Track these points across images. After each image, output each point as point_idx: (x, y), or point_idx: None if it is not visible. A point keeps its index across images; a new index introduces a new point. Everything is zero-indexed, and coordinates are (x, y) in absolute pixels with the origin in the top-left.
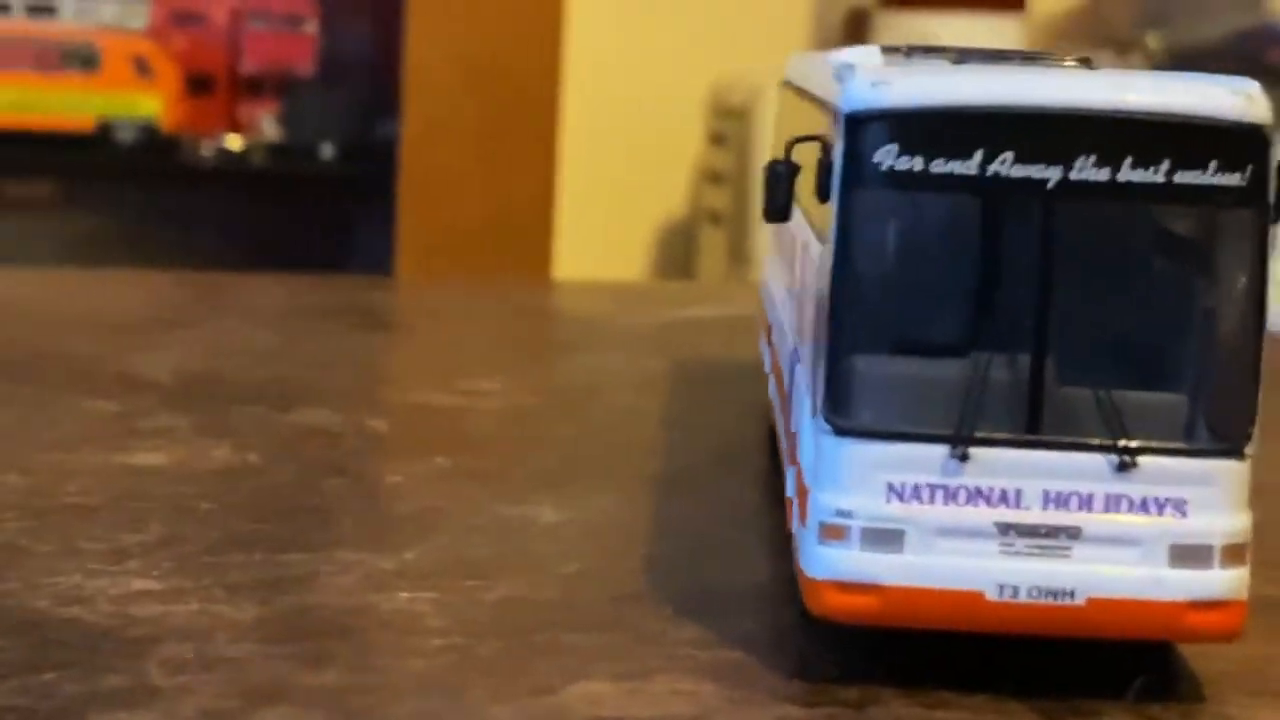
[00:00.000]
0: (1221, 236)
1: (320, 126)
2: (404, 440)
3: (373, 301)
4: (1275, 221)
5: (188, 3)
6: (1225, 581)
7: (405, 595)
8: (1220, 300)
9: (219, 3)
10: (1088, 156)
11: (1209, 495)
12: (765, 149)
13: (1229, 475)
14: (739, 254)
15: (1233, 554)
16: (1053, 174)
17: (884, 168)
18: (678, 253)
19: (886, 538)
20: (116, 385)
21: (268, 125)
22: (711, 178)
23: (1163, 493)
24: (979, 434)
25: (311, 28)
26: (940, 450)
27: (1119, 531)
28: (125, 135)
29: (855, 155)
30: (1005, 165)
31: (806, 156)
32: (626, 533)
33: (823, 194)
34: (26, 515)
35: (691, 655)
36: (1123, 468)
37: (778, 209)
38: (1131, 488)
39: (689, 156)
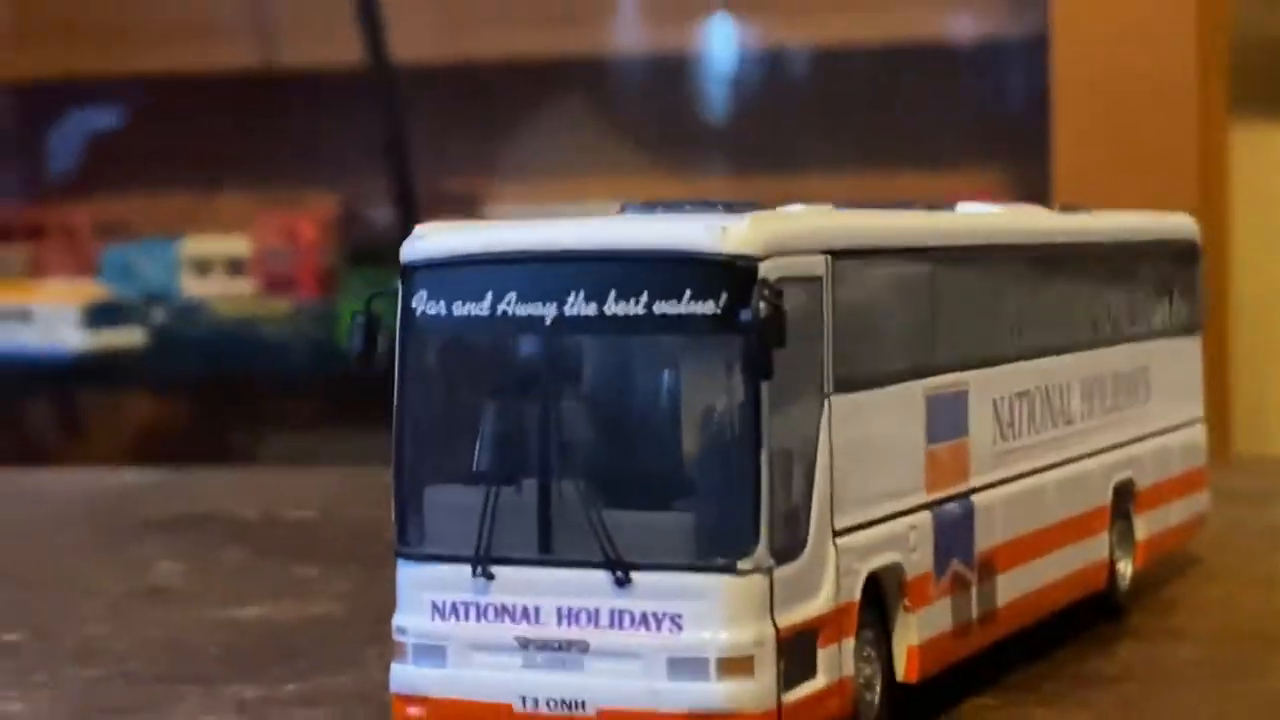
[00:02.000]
0: (706, 361)
1: None
2: None
3: None
4: (770, 343)
5: None
6: (725, 694)
7: None
8: (710, 422)
9: None
10: (578, 293)
11: (704, 610)
12: None
13: (725, 589)
14: None
15: (732, 667)
16: (549, 311)
17: (419, 313)
18: None
19: (431, 653)
20: None
21: None
22: None
23: (659, 608)
24: (496, 554)
25: None
26: (469, 571)
27: (622, 645)
28: None
29: (402, 301)
30: (511, 305)
31: None
32: None
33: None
34: None
35: None
36: (620, 584)
37: (357, 355)
38: (631, 603)
39: None
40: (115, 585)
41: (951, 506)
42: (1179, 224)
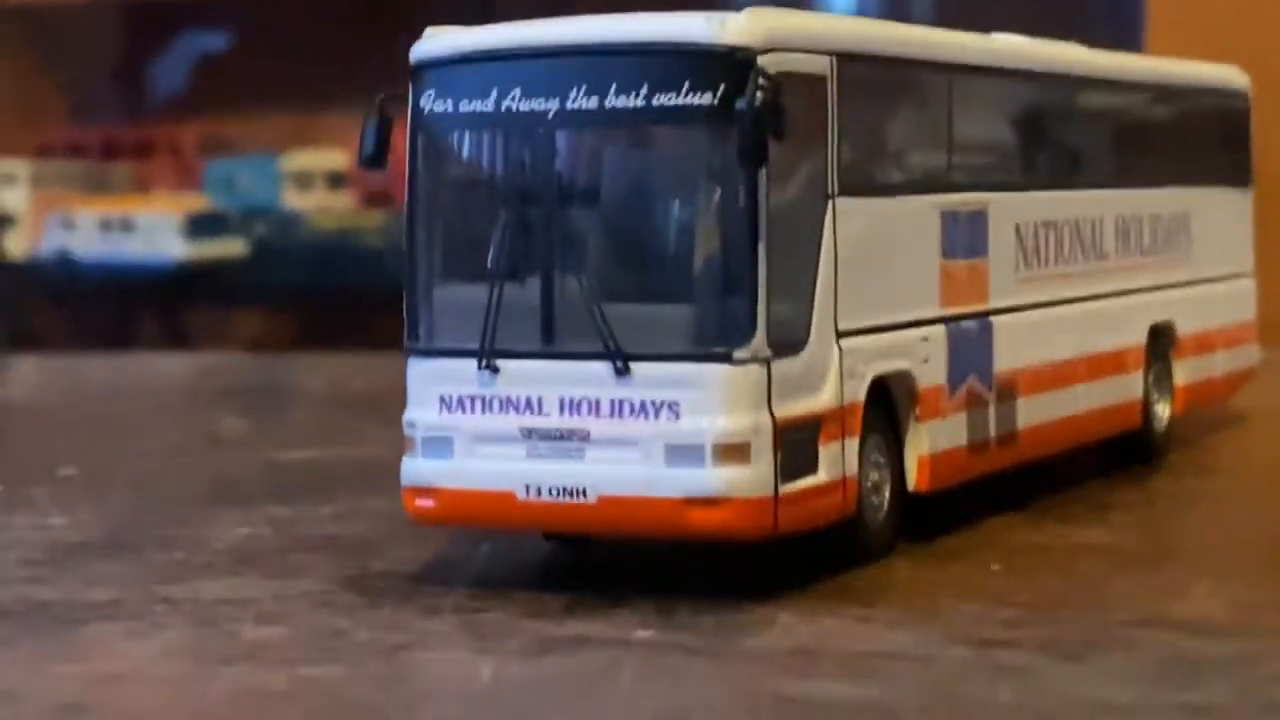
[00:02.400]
0: (704, 152)
1: None
2: None
3: None
4: (765, 132)
5: None
6: (721, 479)
7: None
8: (708, 214)
9: None
10: (580, 87)
11: (700, 398)
12: None
13: (720, 379)
14: None
15: (728, 453)
16: (552, 105)
17: (427, 110)
18: None
19: (439, 445)
20: None
21: None
22: None
23: (658, 396)
24: (501, 348)
25: None
26: (475, 364)
27: (622, 433)
28: None
29: (413, 102)
30: (515, 100)
31: None
32: None
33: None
34: None
35: None
36: (620, 374)
37: (368, 156)
38: (630, 392)
39: None
40: (177, 436)
41: (969, 324)
42: (1229, 74)
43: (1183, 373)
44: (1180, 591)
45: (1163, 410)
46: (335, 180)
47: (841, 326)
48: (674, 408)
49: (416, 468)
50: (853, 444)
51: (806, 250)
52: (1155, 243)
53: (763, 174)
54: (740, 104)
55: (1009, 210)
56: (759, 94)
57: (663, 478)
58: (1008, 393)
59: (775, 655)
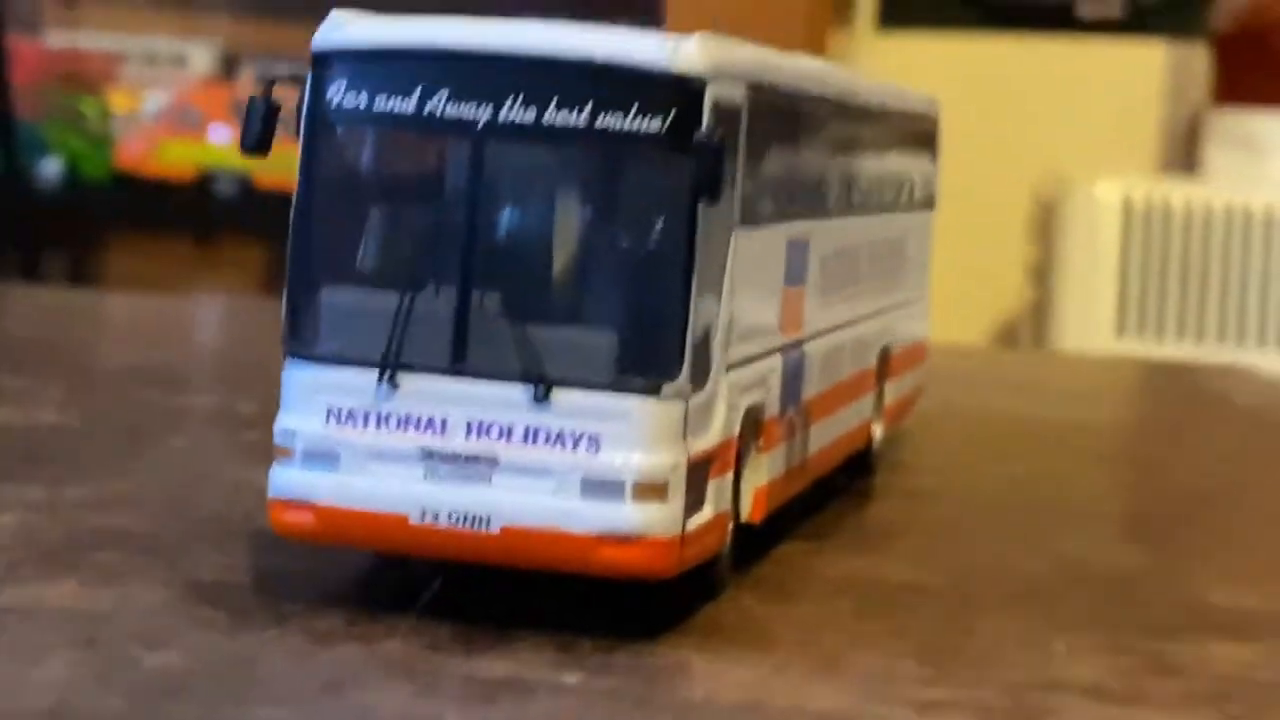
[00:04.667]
0: (645, 181)
1: None
2: None
3: None
4: (720, 167)
5: None
6: (639, 517)
7: None
8: (643, 244)
9: None
10: (515, 98)
11: (623, 432)
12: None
13: (645, 413)
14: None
15: (648, 491)
16: (483, 114)
17: (334, 104)
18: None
19: (323, 458)
20: None
21: None
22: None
23: (577, 427)
24: (406, 362)
25: None
26: (373, 376)
27: (535, 462)
28: None
29: (314, 92)
30: (440, 105)
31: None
32: None
33: (297, 131)
34: None
35: None
36: (538, 400)
37: (251, 143)
38: (548, 420)
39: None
40: None
41: (794, 352)
42: (929, 100)
43: (890, 393)
44: (1042, 649)
45: (878, 430)
46: None
47: (729, 359)
48: (594, 439)
49: (291, 479)
50: (729, 478)
51: (717, 282)
52: (885, 267)
53: (701, 206)
54: (696, 135)
55: (818, 238)
56: (712, 126)
57: (576, 512)
58: (806, 420)
59: (720, 711)
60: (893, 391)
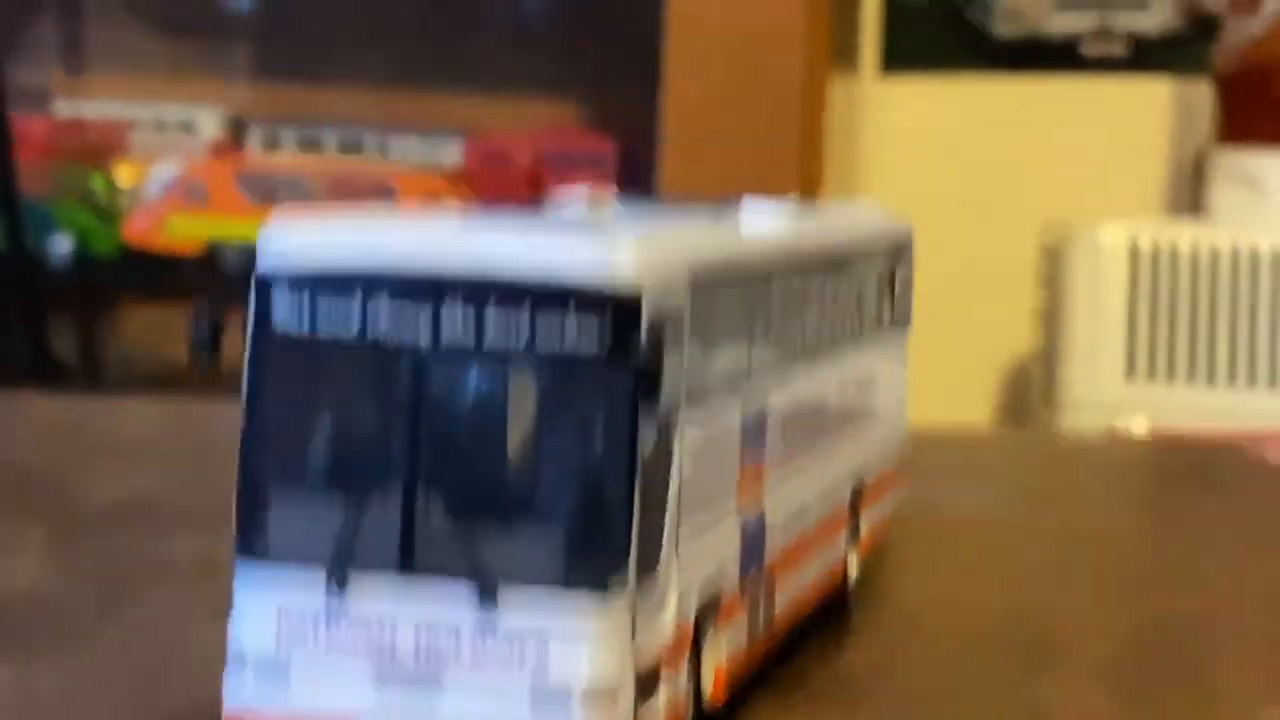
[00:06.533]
0: (585, 394)
1: None
2: None
3: None
4: (654, 380)
5: (497, 144)
6: None
7: None
8: (586, 448)
9: (523, 145)
10: (455, 320)
11: (570, 631)
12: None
13: (592, 611)
14: (1048, 398)
15: (596, 698)
16: (424, 336)
17: (277, 329)
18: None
19: (274, 670)
20: None
21: None
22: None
23: (525, 633)
24: (353, 567)
25: (610, 168)
26: (322, 577)
27: (484, 671)
28: None
29: (257, 311)
30: (381, 327)
31: None
32: None
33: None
34: None
35: None
36: (485, 606)
37: (200, 353)
38: (495, 627)
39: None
40: None
41: (753, 519)
42: (898, 223)
43: (865, 523)
44: None
45: (853, 564)
46: None
47: (679, 544)
48: (542, 641)
49: (244, 692)
50: (684, 664)
51: (662, 475)
52: (854, 404)
53: (641, 408)
54: (630, 352)
55: (777, 399)
56: (648, 341)
57: None
58: (770, 582)
59: None
60: (869, 520)
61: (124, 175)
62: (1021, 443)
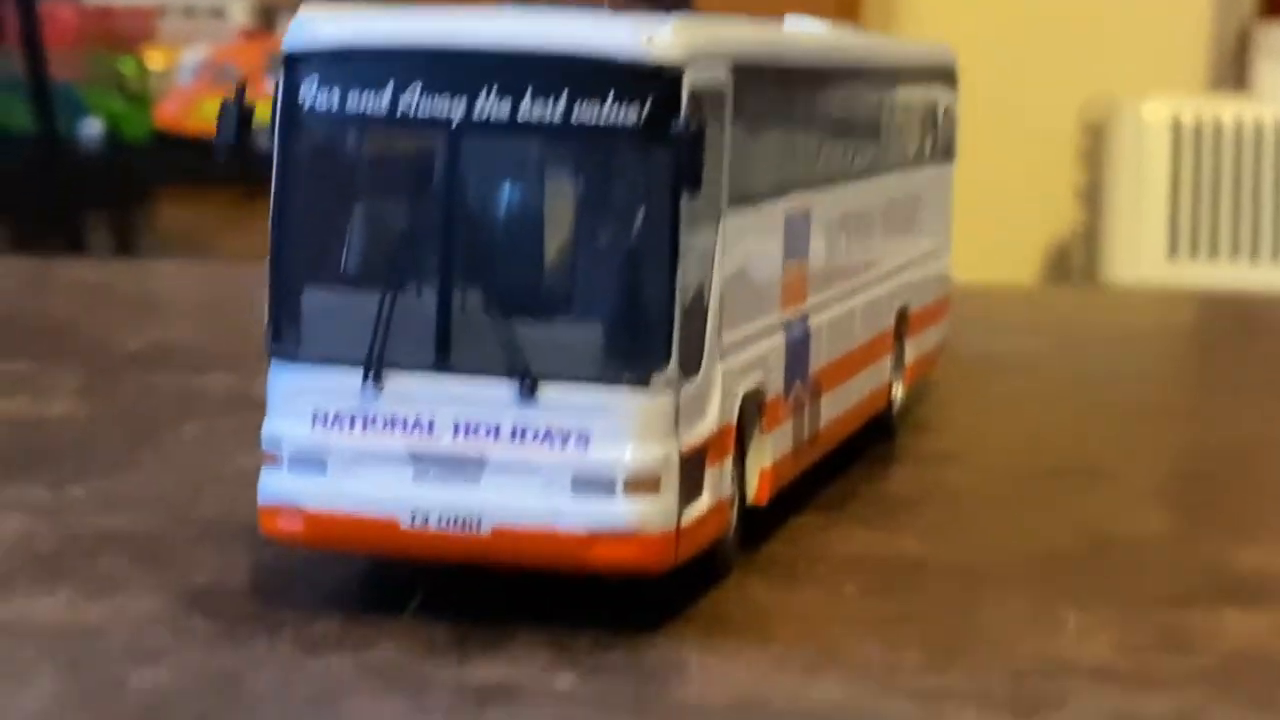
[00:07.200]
0: (624, 173)
1: None
2: None
3: None
4: (698, 156)
5: None
6: (631, 513)
7: None
8: (625, 236)
9: None
10: (490, 94)
11: (612, 426)
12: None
13: (634, 407)
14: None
15: (640, 486)
16: (457, 111)
17: (307, 106)
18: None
19: (310, 463)
20: None
21: None
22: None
23: (565, 423)
24: (391, 363)
25: None
26: (358, 378)
27: (524, 461)
28: None
29: (286, 94)
30: (413, 103)
31: None
32: None
33: (271, 133)
34: None
35: None
36: (525, 397)
37: (224, 144)
38: (535, 417)
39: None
40: None
41: (798, 327)
42: (941, 50)
43: (911, 352)
44: (1053, 627)
45: (898, 391)
46: None
47: (723, 345)
48: (584, 435)
49: (280, 485)
50: (729, 464)
51: (704, 268)
52: (899, 226)
53: (685, 196)
54: (673, 126)
55: (821, 209)
56: (690, 116)
57: (567, 510)
58: (816, 393)
59: (713, 712)
60: (914, 349)
61: (155, 60)
62: (1066, 296)
